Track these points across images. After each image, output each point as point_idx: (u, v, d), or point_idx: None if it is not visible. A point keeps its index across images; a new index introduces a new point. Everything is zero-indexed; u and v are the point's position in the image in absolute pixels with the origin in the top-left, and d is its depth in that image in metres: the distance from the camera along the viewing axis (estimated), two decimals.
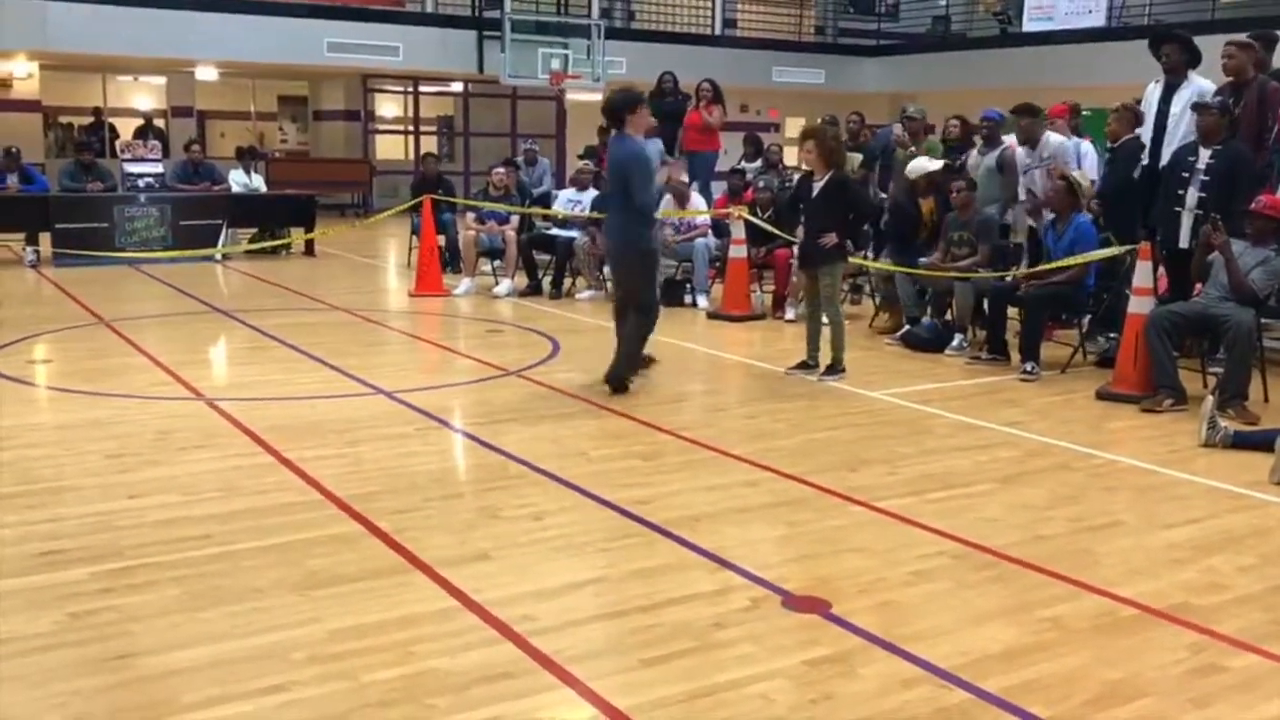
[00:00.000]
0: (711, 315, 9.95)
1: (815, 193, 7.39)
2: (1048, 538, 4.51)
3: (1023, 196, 8.97)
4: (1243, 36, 7.99)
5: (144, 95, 23.28)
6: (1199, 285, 7.06)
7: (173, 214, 13.24)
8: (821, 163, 7.32)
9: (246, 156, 15.10)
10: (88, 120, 22.50)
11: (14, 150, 13.19)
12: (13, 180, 12.92)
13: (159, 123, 22.06)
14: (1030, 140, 8.65)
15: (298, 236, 14.32)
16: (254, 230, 14.41)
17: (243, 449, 5.54)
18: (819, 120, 11.04)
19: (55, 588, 3.81)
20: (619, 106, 6.85)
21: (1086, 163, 8.80)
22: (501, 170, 11.77)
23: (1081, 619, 3.73)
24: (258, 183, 14.84)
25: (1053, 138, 8.76)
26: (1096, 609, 3.82)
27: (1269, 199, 6.86)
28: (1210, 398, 6.17)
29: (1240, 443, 5.82)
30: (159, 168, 14.01)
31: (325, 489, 4.90)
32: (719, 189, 12.12)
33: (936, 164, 9.14)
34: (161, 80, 22.33)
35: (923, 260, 8.64)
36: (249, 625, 3.55)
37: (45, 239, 12.76)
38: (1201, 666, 3.41)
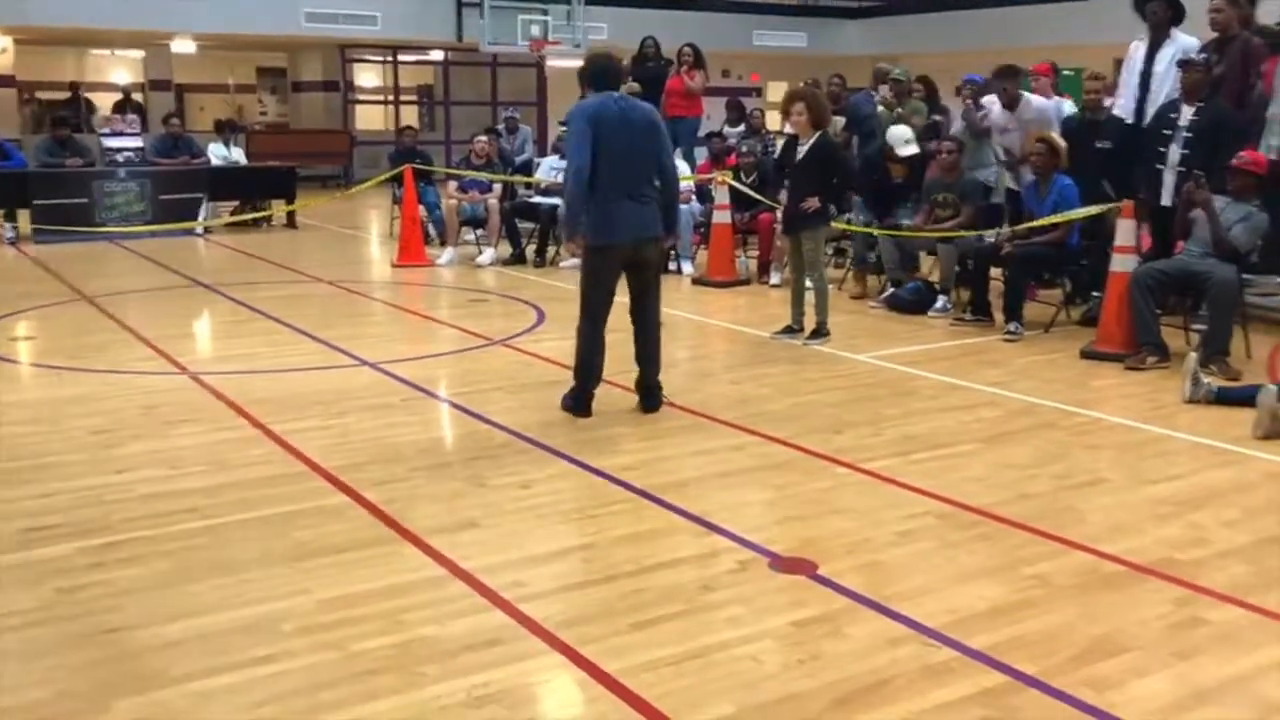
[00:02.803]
0: (696, 281, 9.94)
1: (799, 156, 7.37)
2: (1032, 496, 4.54)
3: (1002, 157, 8.97)
4: None
5: (121, 69, 23.05)
6: (1181, 243, 7.08)
7: (152, 188, 13.13)
8: (809, 125, 7.29)
9: (226, 129, 14.99)
10: (64, 95, 22.26)
11: None
12: None
13: (137, 97, 21.85)
14: (1011, 103, 8.63)
15: (279, 209, 14.22)
16: (235, 203, 14.32)
17: (228, 422, 5.53)
18: (801, 84, 11.01)
19: (44, 563, 3.81)
20: (615, 64, 5.70)
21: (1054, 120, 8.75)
22: (483, 139, 11.71)
23: (1066, 576, 3.76)
24: (237, 155, 14.72)
25: (1034, 101, 8.73)
26: (1081, 566, 3.85)
27: (1250, 155, 6.87)
28: (1193, 354, 6.19)
29: (1223, 398, 5.85)
30: (138, 142, 13.88)
31: (311, 461, 4.90)
32: (702, 154, 12.08)
33: (913, 148, 8.92)
34: (139, 54, 22.10)
35: (906, 222, 8.65)
36: (238, 597, 3.56)
37: (24, 216, 12.64)
38: (1185, 620, 3.44)
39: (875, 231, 8.87)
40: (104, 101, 21.63)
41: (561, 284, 9.85)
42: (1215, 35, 7.93)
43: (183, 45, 20.68)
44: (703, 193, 10.65)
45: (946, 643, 3.26)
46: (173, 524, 4.17)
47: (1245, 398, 5.61)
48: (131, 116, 15.35)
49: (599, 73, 5.63)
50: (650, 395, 5.78)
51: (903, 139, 8.93)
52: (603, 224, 5.48)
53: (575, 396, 5.70)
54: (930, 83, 10.13)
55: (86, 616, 3.42)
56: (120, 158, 13.41)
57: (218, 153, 14.27)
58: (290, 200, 14.24)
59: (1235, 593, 3.61)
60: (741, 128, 12.39)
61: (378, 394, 6.11)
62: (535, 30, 18.42)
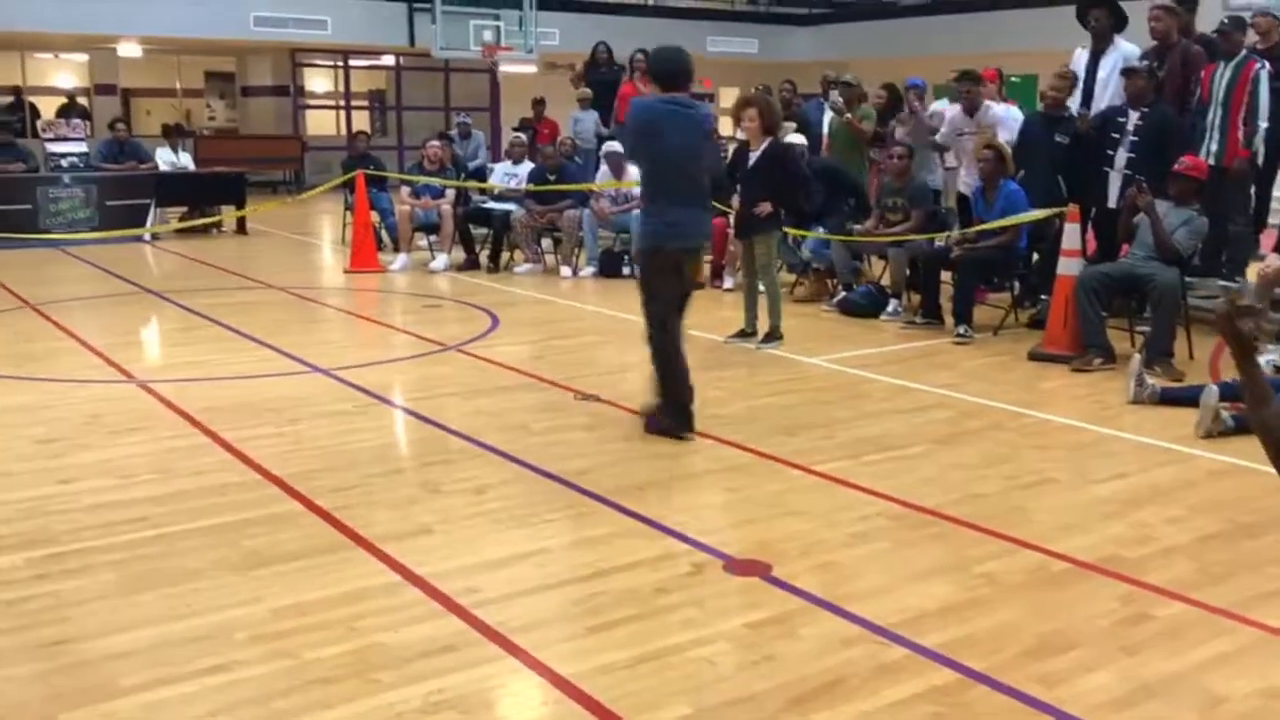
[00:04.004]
0: None
1: (751, 162, 7.41)
2: (982, 496, 4.60)
3: (952, 161, 9.09)
4: (1168, 0, 8.12)
5: (66, 73, 22.69)
6: (1126, 246, 7.20)
7: (99, 194, 12.95)
8: (761, 131, 7.33)
9: (173, 134, 14.81)
10: (7, 100, 21.87)
11: None
12: None
13: (82, 101, 21.53)
14: (972, 108, 8.75)
15: (229, 215, 14.07)
16: (183, 209, 14.15)
17: (178, 431, 5.46)
18: (753, 90, 11.07)
19: None
20: (686, 64, 5.47)
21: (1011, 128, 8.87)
22: (436, 144, 11.67)
23: (1015, 574, 3.82)
24: (185, 160, 14.55)
25: (995, 107, 8.86)
26: (1030, 564, 3.90)
27: (1191, 160, 7.00)
28: (1137, 356, 6.30)
29: (1167, 399, 5.95)
30: (83, 147, 13.69)
31: (263, 469, 4.85)
32: None
33: (798, 137, 9.19)
34: (84, 58, 21.77)
35: (857, 227, 8.73)
36: (188, 607, 3.52)
37: None
38: (1131, 616, 3.50)
39: (826, 236, 8.93)
40: (48, 106, 21.26)
41: (516, 289, 9.84)
42: (1155, 43, 8.09)
43: (129, 49, 20.41)
44: None
45: (898, 641, 3.30)
46: (120, 534, 4.11)
47: (1188, 398, 5.71)
48: (76, 121, 15.08)
49: (670, 72, 5.46)
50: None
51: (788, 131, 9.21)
52: (660, 229, 5.38)
53: (668, 410, 5.37)
54: (896, 91, 10.05)
55: (32, 629, 3.37)
56: (65, 163, 13.22)
57: (165, 158, 14.09)
58: (240, 206, 14.09)
59: (1180, 589, 3.68)
60: None
61: (331, 400, 6.07)
62: (488, 35, 18.39)
